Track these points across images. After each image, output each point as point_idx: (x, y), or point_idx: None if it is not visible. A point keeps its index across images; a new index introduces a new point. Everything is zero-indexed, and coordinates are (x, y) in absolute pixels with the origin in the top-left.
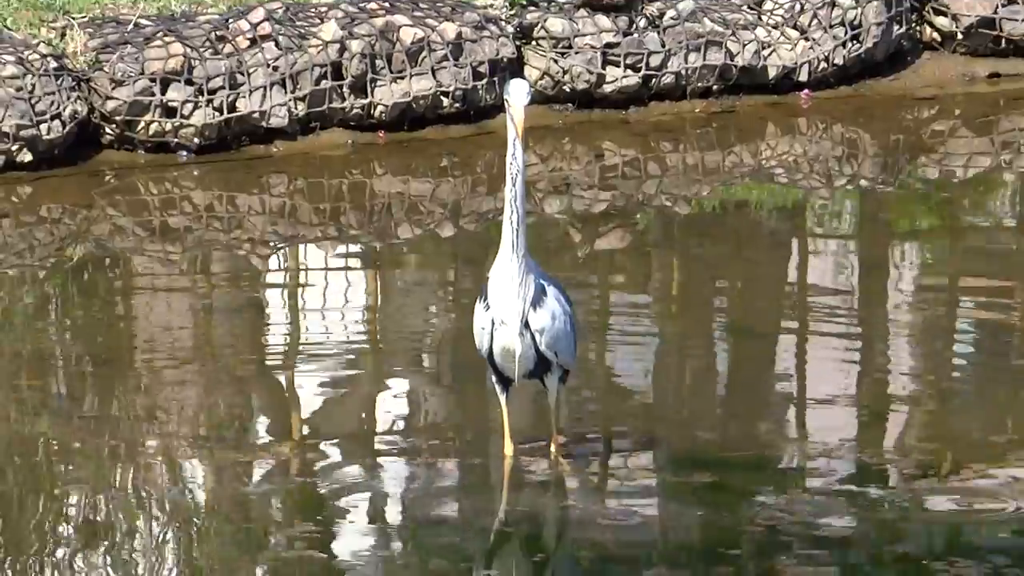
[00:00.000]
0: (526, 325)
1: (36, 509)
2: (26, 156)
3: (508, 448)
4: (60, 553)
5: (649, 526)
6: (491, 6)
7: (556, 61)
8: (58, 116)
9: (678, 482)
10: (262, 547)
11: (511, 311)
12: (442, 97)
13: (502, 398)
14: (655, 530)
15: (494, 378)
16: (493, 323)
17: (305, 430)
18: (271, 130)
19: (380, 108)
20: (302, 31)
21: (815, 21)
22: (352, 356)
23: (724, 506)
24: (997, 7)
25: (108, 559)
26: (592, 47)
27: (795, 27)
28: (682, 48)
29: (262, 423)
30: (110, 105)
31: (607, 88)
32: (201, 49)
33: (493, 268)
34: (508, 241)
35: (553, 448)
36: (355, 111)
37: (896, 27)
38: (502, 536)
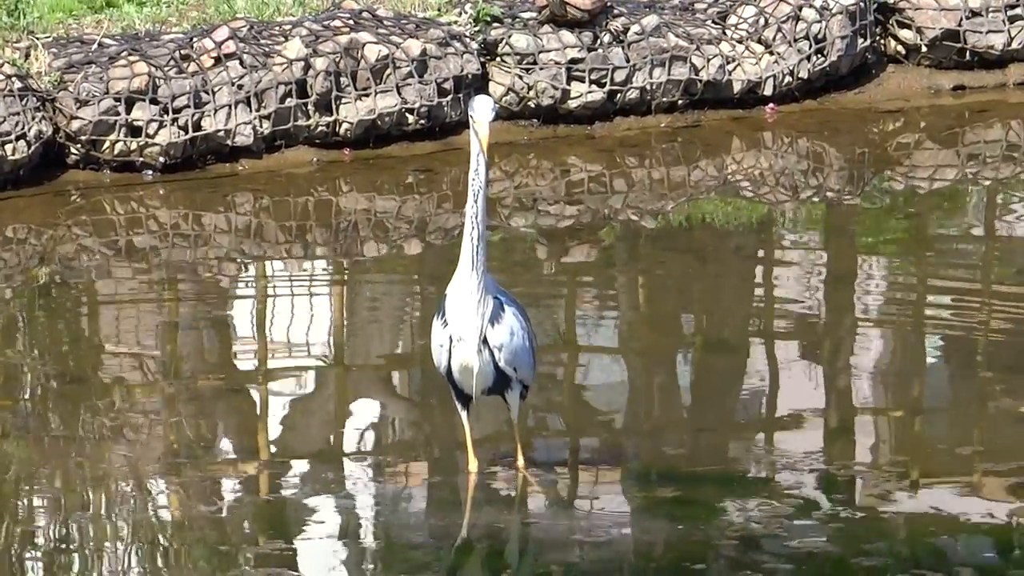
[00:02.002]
0: (484, 341)
1: (1, 530)
2: None
3: (472, 464)
4: (26, 573)
5: (616, 541)
6: (456, 23)
7: (521, 77)
8: (23, 136)
9: (646, 497)
10: (229, 565)
11: (469, 327)
12: (407, 114)
13: (463, 415)
14: (622, 545)
15: (454, 395)
16: (451, 340)
17: (272, 448)
18: (236, 148)
19: (345, 125)
20: (266, 49)
21: (779, 35)
22: (319, 373)
23: (692, 520)
24: (961, 20)
25: None
26: (557, 63)
27: (759, 41)
28: (647, 63)
29: (229, 441)
30: (75, 125)
31: (572, 104)
32: (166, 68)
33: (451, 284)
34: (468, 257)
35: (518, 463)
36: (320, 129)
37: (860, 40)
38: (467, 552)
